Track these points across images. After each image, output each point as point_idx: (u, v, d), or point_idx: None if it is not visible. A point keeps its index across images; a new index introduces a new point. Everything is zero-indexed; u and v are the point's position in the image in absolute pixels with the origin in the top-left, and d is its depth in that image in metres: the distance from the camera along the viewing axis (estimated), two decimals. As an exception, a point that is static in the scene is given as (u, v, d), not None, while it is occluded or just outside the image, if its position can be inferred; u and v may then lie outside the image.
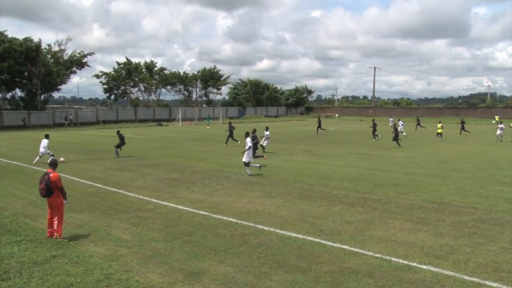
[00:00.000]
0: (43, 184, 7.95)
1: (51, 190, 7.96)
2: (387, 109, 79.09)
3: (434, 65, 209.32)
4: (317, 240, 8.06)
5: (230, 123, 28.03)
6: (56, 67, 52.79)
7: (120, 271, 6.52)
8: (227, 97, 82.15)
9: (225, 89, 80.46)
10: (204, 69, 75.15)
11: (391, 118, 41.48)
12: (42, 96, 54.26)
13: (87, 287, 5.98)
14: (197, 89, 75.66)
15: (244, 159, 15.58)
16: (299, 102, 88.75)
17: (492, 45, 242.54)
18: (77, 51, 58.12)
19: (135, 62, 66.71)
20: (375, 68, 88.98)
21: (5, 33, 48.63)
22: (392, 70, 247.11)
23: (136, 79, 65.54)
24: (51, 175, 7.99)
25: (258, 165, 15.97)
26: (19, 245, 7.69)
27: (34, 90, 52.04)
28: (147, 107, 65.11)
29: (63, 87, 58.05)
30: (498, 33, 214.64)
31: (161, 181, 14.39)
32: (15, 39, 48.85)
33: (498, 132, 30.89)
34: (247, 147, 15.58)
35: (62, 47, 56.15)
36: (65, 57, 56.57)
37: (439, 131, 30.51)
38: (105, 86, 65.12)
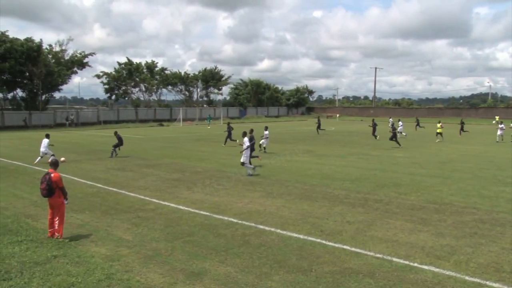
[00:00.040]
0: (44, 184, 7.95)
1: (52, 190, 7.97)
2: (388, 109, 79.08)
3: (435, 65, 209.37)
4: (318, 240, 8.05)
5: (228, 124, 28.18)
6: (57, 67, 52.86)
7: (121, 271, 6.52)
8: (228, 97, 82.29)
9: (226, 89, 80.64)
10: (205, 69, 75.28)
11: (390, 119, 41.46)
12: (43, 96, 54.35)
13: (88, 287, 5.98)
14: (198, 89, 75.78)
15: (242, 159, 15.58)
16: (300, 102, 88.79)
17: (494, 45, 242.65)
18: (78, 51, 58.32)
19: (136, 62, 66.88)
20: (376, 68, 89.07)
21: (7, 33, 48.76)
22: (393, 70, 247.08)
23: (137, 79, 65.59)
24: (52, 175, 8.00)
25: (253, 166, 15.80)
26: (20, 245, 7.70)
27: (35, 90, 52.11)
28: (148, 107, 65.17)
29: (64, 87, 58.25)
30: (500, 33, 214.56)
31: (162, 181, 14.39)
32: (17, 39, 48.93)
33: (499, 132, 30.78)
34: (244, 147, 15.58)
35: (63, 47, 56.31)
36: (66, 57, 56.66)
37: (438, 130, 30.49)
38: (106, 86, 65.22)
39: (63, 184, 8.19)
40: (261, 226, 8.97)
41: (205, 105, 75.27)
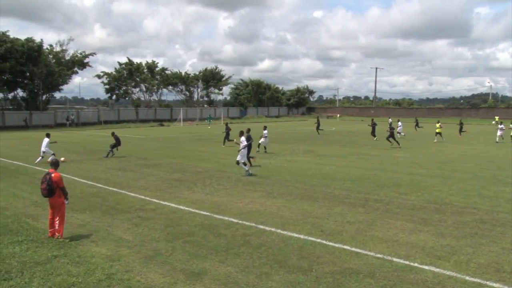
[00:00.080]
0: (44, 184, 7.96)
1: (53, 190, 7.97)
2: (389, 110, 79.02)
3: (436, 66, 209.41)
4: (319, 240, 8.05)
5: (226, 124, 28.31)
6: (58, 67, 52.90)
7: (121, 271, 6.53)
8: (228, 98, 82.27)
9: (226, 90, 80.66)
10: (206, 69, 75.32)
11: (390, 119, 41.44)
12: (44, 96, 54.40)
13: (89, 287, 5.99)
14: (199, 89, 75.81)
15: (237, 157, 15.55)
16: (300, 102, 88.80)
17: (494, 45, 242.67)
18: (79, 51, 58.37)
19: (137, 62, 66.94)
20: (376, 68, 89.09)
21: (7, 33, 48.83)
22: (394, 70, 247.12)
23: (138, 79, 65.62)
24: (52, 175, 8.00)
25: (247, 168, 15.58)
26: (20, 245, 7.71)
27: (36, 90, 52.16)
28: (149, 107, 65.21)
29: (64, 87, 58.28)
30: (500, 33, 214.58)
31: (163, 181, 14.40)
32: (17, 39, 48.98)
33: (499, 133, 30.68)
34: (241, 146, 15.58)
35: (64, 47, 56.35)
36: (67, 57, 56.70)
37: (437, 130, 30.48)
38: (107, 86, 65.27)
39: (64, 184, 8.20)
40: (262, 226, 8.97)
41: (205, 105, 75.30)
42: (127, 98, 68.62)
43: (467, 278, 6.29)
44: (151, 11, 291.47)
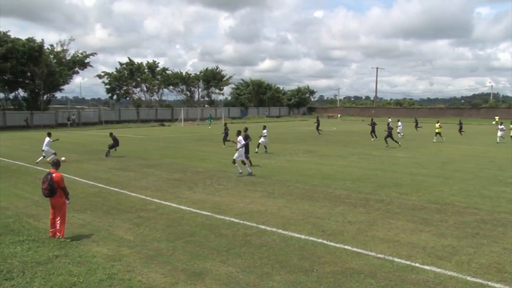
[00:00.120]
0: (46, 184, 7.97)
1: (54, 190, 7.98)
2: (390, 110, 78.97)
3: (437, 66, 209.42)
4: (320, 240, 8.05)
5: (225, 124, 28.32)
6: (59, 67, 52.98)
7: (122, 271, 6.53)
8: (229, 98, 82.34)
9: (227, 90, 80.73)
10: (206, 69, 75.36)
11: (389, 119, 41.42)
12: (45, 96, 54.50)
13: (90, 287, 5.99)
14: (199, 89, 75.89)
15: (234, 156, 15.55)
16: (301, 102, 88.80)
17: (495, 45, 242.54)
18: (80, 51, 58.48)
19: (137, 63, 66.96)
20: (377, 68, 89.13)
21: (8, 33, 48.91)
22: (395, 70, 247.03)
23: (139, 79, 65.69)
24: (54, 175, 8.01)
25: (240, 171, 15.51)
26: (22, 245, 7.72)
27: (36, 90, 52.24)
28: (149, 107, 65.25)
29: (65, 87, 58.33)
30: (501, 33, 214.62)
31: (164, 181, 14.40)
32: (18, 39, 49.05)
33: (499, 133, 30.59)
34: (239, 146, 15.57)
35: (65, 47, 56.47)
36: (68, 57, 56.79)
37: (437, 130, 30.46)
38: (108, 86, 65.35)
39: (65, 184, 8.21)
40: (263, 226, 8.97)
41: (206, 105, 75.35)
42: (128, 98, 68.69)
43: (469, 278, 6.28)
44: (151, 11, 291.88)
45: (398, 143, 26.37)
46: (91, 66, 60.03)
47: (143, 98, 68.38)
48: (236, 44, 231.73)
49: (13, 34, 49.81)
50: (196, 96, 76.16)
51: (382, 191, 12.67)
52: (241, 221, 9.35)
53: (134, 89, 67.09)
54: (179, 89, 73.55)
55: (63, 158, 9.91)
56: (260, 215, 9.87)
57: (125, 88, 66.13)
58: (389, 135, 26.29)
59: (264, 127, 23.57)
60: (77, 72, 58.85)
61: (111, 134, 21.87)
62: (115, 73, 65.16)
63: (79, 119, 54.53)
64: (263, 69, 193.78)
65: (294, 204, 10.95)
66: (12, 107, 53.19)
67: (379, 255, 7.22)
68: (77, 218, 9.61)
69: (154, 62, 69.84)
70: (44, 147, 18.78)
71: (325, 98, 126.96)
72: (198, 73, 74.92)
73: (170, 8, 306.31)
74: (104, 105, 74.62)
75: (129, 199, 11.72)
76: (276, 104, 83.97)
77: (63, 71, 53.23)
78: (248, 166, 15.98)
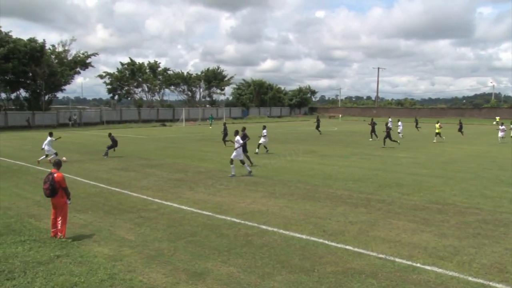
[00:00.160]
0: (47, 184, 7.98)
1: (55, 190, 7.99)
2: (391, 110, 78.90)
3: (438, 66, 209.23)
4: (321, 240, 8.05)
5: (224, 124, 28.37)
6: (60, 67, 53.03)
7: (123, 271, 6.54)
8: (230, 98, 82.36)
9: (228, 90, 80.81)
10: (208, 69, 75.36)
11: (390, 119, 41.38)
12: (46, 97, 54.55)
13: (91, 287, 6.00)
14: (201, 90, 75.88)
15: (232, 155, 15.53)
16: (302, 102, 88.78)
17: (497, 45, 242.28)
18: (81, 52, 58.40)
19: (139, 63, 66.93)
20: (378, 68, 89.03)
21: (10, 33, 48.93)
22: (396, 70, 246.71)
23: (140, 79, 65.69)
24: (55, 175, 8.02)
25: (233, 173, 15.38)
26: (23, 245, 7.73)
27: (38, 91, 52.29)
28: (151, 107, 65.26)
29: (67, 87, 58.40)
30: (503, 33, 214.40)
31: (165, 181, 14.41)
32: (20, 39, 49.09)
33: (500, 134, 30.52)
34: (237, 145, 15.57)
35: (66, 48, 56.42)
36: (69, 58, 56.79)
37: (437, 131, 30.42)
38: (109, 87, 65.36)
39: (66, 184, 8.22)
40: (264, 226, 8.97)
41: (207, 105, 75.35)
42: (129, 98, 68.72)
43: (470, 278, 6.27)
44: (153, 11, 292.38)
45: (397, 141, 26.36)
46: (92, 66, 60.07)
47: (145, 98, 68.43)
48: (237, 44, 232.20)
49: (14, 35, 49.90)
50: (198, 96, 76.25)
51: (383, 191, 12.66)
52: (243, 221, 9.35)
53: (135, 89, 67.11)
54: (180, 89, 73.60)
55: (64, 158, 9.93)
56: (262, 215, 9.86)
57: (126, 88, 66.13)
58: (388, 135, 26.28)
59: (264, 127, 23.57)
60: (79, 72, 58.90)
61: (110, 135, 21.95)
62: (116, 73, 65.18)
63: (81, 119, 54.59)
64: (265, 69, 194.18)
65: (295, 204, 10.94)
66: (13, 107, 53.24)
67: (381, 255, 7.22)
68: (79, 218, 9.62)
69: (155, 62, 69.86)
70: (44, 146, 18.88)
71: (327, 98, 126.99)
72: (199, 73, 74.97)
73: (171, 8, 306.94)
74: (106, 105, 74.64)
75: (130, 199, 11.73)
76: (278, 104, 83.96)
77: (65, 71, 53.29)
78: (248, 165, 15.97)
